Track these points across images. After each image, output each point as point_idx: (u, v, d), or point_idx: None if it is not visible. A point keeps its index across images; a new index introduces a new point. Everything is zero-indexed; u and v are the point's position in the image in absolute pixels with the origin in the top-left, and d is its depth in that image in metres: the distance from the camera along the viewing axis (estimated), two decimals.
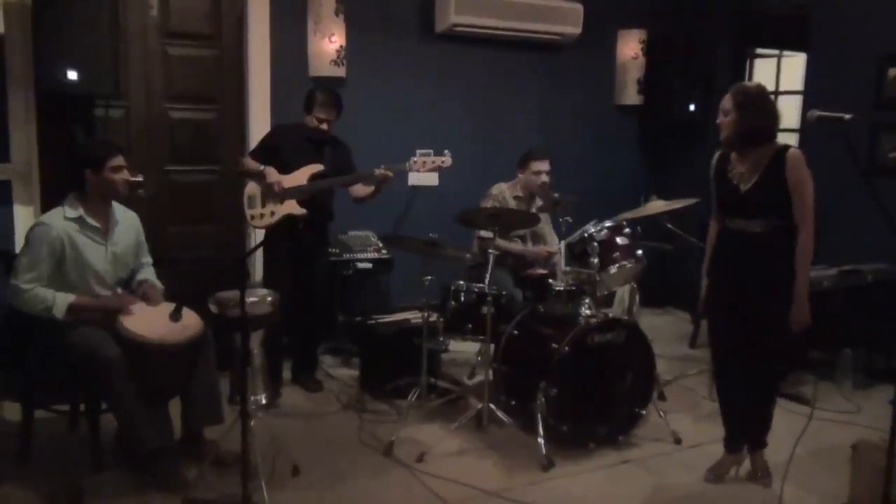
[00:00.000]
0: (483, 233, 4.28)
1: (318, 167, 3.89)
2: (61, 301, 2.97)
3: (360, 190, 4.06)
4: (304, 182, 3.87)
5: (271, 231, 3.91)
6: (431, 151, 3.88)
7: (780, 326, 2.90)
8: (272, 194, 3.87)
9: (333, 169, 3.94)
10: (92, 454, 3.09)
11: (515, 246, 4.35)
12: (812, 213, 2.85)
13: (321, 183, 3.89)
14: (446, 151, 3.85)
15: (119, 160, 3.11)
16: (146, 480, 2.98)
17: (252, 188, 3.93)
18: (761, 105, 2.85)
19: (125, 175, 3.13)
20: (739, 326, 3.01)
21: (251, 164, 3.95)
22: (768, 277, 2.91)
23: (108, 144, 3.20)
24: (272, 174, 3.87)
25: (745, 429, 3.20)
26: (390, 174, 3.86)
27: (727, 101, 2.89)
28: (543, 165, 4.27)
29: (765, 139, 2.88)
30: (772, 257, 2.90)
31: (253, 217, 3.92)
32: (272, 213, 3.88)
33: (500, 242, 4.19)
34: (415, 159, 3.86)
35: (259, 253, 4.19)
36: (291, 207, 3.85)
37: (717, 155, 3.10)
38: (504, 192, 4.34)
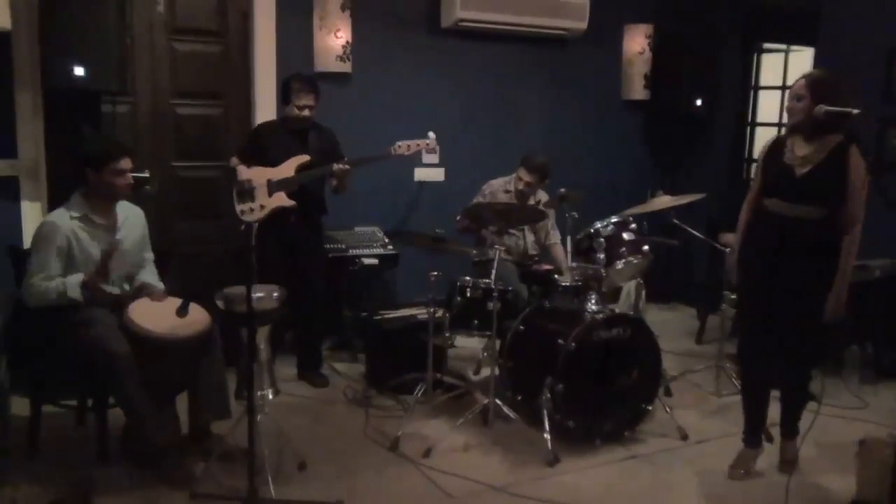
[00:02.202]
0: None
1: (304, 158, 3.90)
2: (73, 281, 2.98)
3: (332, 181, 4.05)
4: (292, 173, 3.88)
5: (262, 226, 3.88)
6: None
7: (819, 312, 2.92)
8: (245, 191, 3.90)
9: (320, 156, 3.95)
10: (99, 448, 3.11)
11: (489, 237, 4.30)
12: (863, 209, 2.86)
13: (308, 173, 3.90)
14: (430, 133, 3.88)
15: (123, 163, 3.10)
16: (153, 475, 3.00)
17: (238, 184, 3.95)
18: (835, 93, 2.82)
19: (127, 179, 3.12)
20: (776, 312, 3.00)
21: (233, 162, 4.02)
22: (807, 263, 2.91)
23: (115, 145, 3.19)
24: (242, 171, 3.92)
25: (765, 424, 3.21)
26: (348, 167, 3.87)
27: (801, 88, 2.87)
28: (527, 177, 4.28)
29: (831, 128, 2.86)
30: (813, 244, 2.90)
31: (243, 212, 3.93)
32: (262, 207, 3.89)
33: (483, 233, 4.19)
34: (399, 144, 3.89)
35: None
36: (281, 200, 3.86)
37: (771, 140, 3.12)
38: (493, 188, 4.37)
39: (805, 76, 2.93)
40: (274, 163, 3.90)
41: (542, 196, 4.44)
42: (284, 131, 3.99)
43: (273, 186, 3.87)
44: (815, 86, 2.85)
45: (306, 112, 3.93)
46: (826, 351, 3.23)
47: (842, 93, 2.83)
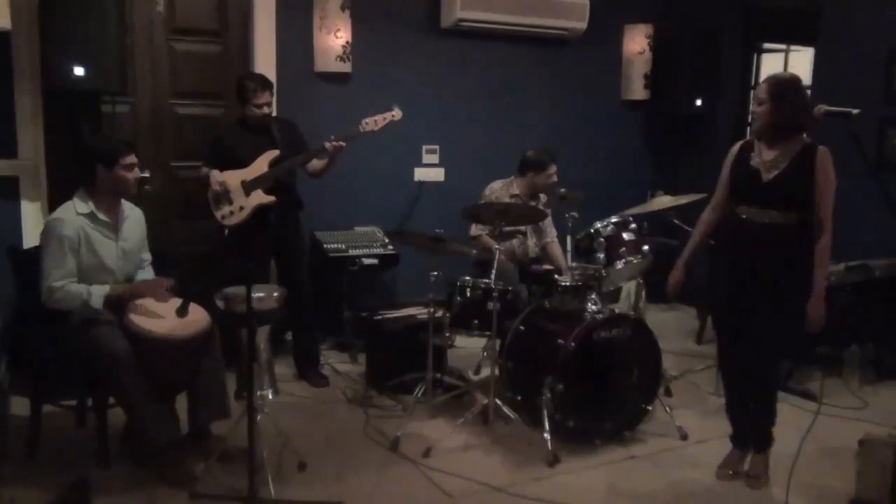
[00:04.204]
0: (473, 230, 4.30)
1: (274, 152, 3.90)
2: (97, 292, 3.00)
3: (316, 164, 4.06)
4: (266, 169, 3.88)
5: (243, 228, 3.87)
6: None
7: (787, 320, 2.90)
8: (224, 195, 3.89)
9: (288, 148, 3.96)
10: (99, 449, 3.10)
11: (488, 243, 4.19)
12: (831, 212, 2.84)
13: (282, 165, 3.90)
14: (395, 106, 3.92)
15: (132, 158, 3.12)
16: (153, 475, 3.00)
17: (213, 190, 3.96)
18: (795, 96, 2.83)
19: (136, 173, 3.15)
20: (745, 319, 2.99)
21: (203, 171, 4.02)
22: (780, 270, 2.89)
23: (122, 141, 3.21)
24: (215, 176, 3.92)
25: (748, 425, 3.19)
26: (343, 144, 3.88)
27: (762, 91, 2.87)
28: (555, 167, 4.34)
29: (796, 130, 2.87)
30: (785, 250, 2.88)
31: (224, 217, 3.91)
32: (241, 209, 3.87)
33: (485, 240, 4.17)
34: (366, 121, 3.91)
35: None
36: (259, 198, 3.85)
37: (738, 144, 3.10)
38: (497, 192, 4.34)
39: (766, 79, 2.92)
40: (243, 164, 3.90)
41: (542, 196, 4.44)
42: (247, 131, 4.00)
43: (249, 186, 3.87)
44: (775, 88, 2.84)
45: (265, 109, 3.95)
46: (797, 351, 3.19)
47: (803, 94, 2.84)
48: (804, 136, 2.88)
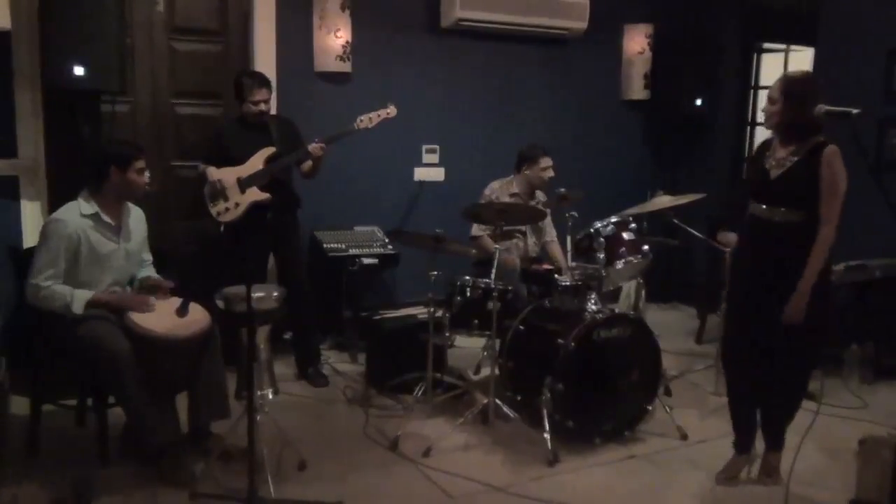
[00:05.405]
0: (474, 230, 4.30)
1: (270, 150, 3.91)
2: (80, 297, 2.99)
3: (305, 165, 4.07)
4: (261, 167, 3.89)
5: (241, 225, 3.89)
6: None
7: (806, 318, 2.86)
8: (219, 192, 3.90)
9: (285, 146, 3.96)
10: (99, 448, 3.10)
11: (489, 244, 4.17)
12: (839, 211, 2.80)
13: (278, 162, 3.91)
14: (389, 104, 3.96)
15: (143, 163, 3.15)
16: (153, 474, 3.00)
17: (209, 186, 3.97)
18: (807, 94, 2.80)
19: (146, 178, 3.17)
20: (758, 321, 2.97)
21: (201, 167, 4.03)
22: (788, 268, 2.87)
23: (135, 145, 3.24)
24: (212, 173, 3.93)
25: (755, 430, 3.16)
26: (324, 145, 3.90)
27: (775, 90, 2.86)
28: (549, 160, 4.35)
29: (810, 129, 2.84)
30: (793, 248, 2.86)
31: (219, 213, 3.92)
32: (237, 205, 3.88)
33: (486, 241, 4.17)
34: (361, 118, 3.94)
35: None
36: (255, 195, 3.85)
37: (761, 143, 3.10)
38: (497, 192, 4.34)
39: (780, 78, 2.91)
40: (240, 161, 3.91)
41: (541, 196, 4.44)
42: (245, 128, 4.01)
43: (244, 182, 3.87)
44: (788, 86, 2.83)
45: (262, 106, 3.95)
46: (816, 359, 3.15)
47: (817, 93, 2.80)
48: (820, 135, 2.85)
